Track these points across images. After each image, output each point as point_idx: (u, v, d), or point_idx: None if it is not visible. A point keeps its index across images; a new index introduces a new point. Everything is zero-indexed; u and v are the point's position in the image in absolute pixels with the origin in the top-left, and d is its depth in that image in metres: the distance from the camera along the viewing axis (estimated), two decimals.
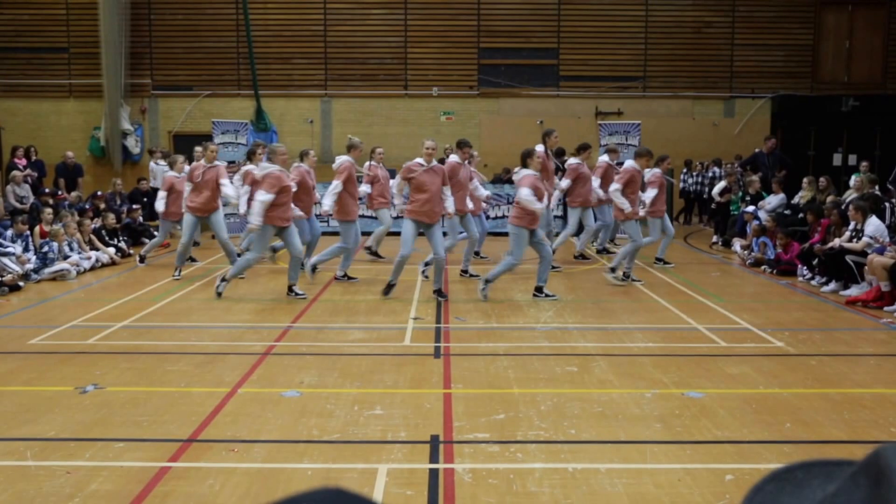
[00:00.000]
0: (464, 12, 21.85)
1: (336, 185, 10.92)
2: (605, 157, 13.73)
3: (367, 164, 12.77)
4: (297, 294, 10.21)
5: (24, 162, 16.48)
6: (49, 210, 12.76)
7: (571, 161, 13.15)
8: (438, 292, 10.19)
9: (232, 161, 16.01)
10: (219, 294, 10.22)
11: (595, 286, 11.34)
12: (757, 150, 18.15)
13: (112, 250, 13.32)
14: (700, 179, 20.46)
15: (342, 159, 11.20)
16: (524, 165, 9.83)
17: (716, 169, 20.23)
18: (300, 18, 21.88)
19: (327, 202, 10.94)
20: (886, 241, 10.26)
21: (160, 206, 12.77)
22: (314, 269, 11.39)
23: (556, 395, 6.21)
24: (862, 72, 22.24)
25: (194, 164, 12.43)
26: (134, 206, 16.47)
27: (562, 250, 13.44)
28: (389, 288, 10.27)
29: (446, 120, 21.98)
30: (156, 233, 15.79)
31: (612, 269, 11.31)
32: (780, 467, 0.77)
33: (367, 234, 13.44)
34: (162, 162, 17.75)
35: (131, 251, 14.35)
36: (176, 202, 12.77)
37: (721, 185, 16.91)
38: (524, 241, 9.84)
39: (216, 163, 11.71)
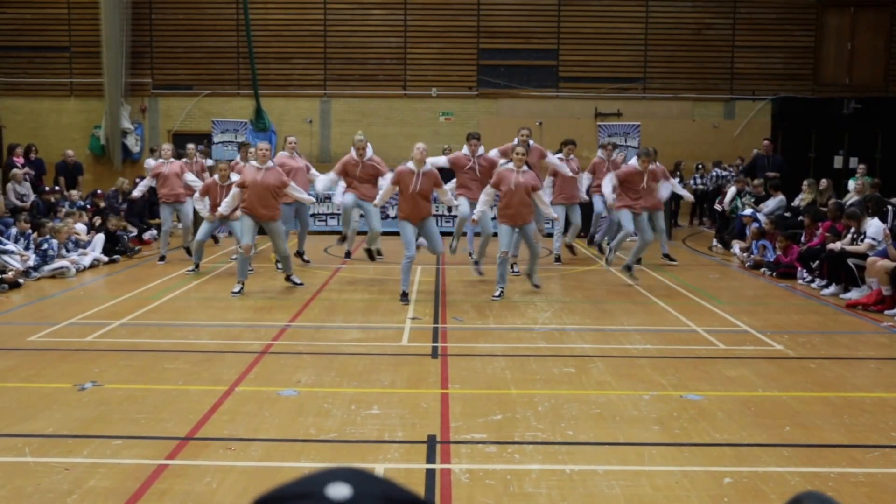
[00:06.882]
0: (463, 13, 21.83)
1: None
2: (599, 153, 14.10)
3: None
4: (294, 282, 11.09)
5: (21, 160, 16.41)
6: (50, 225, 12.54)
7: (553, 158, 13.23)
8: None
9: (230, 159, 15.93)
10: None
11: (593, 287, 11.33)
12: (756, 152, 18.14)
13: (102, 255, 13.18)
14: (703, 181, 20.43)
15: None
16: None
17: (716, 171, 20.20)
18: (300, 18, 21.87)
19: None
20: (889, 241, 10.14)
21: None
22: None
23: (554, 397, 6.20)
24: (863, 74, 22.20)
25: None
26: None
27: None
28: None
29: (445, 121, 21.96)
30: (154, 231, 15.84)
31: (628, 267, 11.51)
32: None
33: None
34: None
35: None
36: (165, 187, 12.91)
37: (731, 192, 16.83)
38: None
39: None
